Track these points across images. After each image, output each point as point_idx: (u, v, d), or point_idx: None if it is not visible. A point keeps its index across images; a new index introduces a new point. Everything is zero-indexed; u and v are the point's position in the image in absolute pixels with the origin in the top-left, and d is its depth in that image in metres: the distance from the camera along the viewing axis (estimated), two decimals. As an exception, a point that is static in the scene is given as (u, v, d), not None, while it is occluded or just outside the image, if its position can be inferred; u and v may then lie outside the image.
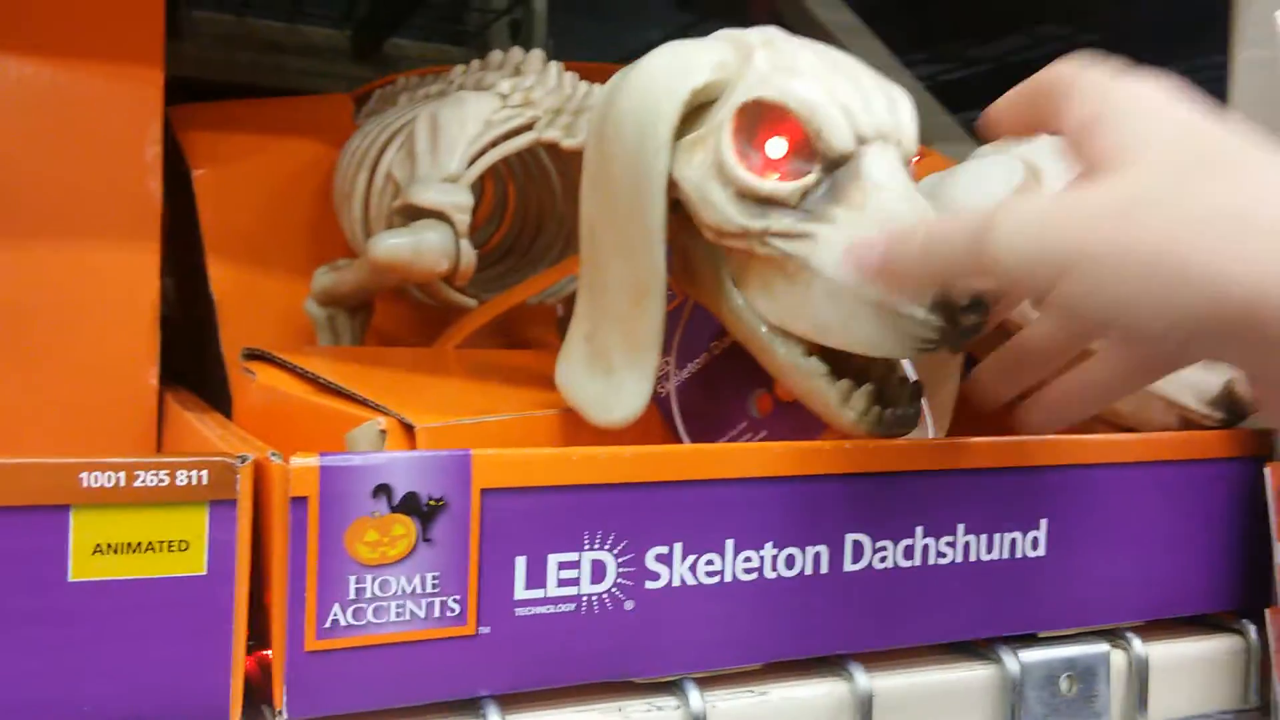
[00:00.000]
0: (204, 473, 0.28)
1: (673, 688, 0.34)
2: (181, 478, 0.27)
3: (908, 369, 0.38)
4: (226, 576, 0.28)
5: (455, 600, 0.31)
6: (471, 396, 0.43)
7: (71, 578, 0.27)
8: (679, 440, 0.42)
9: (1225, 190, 0.25)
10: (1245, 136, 0.26)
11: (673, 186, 0.35)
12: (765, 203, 0.34)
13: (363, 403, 0.38)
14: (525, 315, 0.62)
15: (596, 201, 0.37)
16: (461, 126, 0.50)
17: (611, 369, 0.37)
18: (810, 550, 0.35)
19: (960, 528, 0.38)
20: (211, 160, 0.57)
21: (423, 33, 1.20)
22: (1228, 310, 0.24)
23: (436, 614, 0.31)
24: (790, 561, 0.35)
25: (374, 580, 0.30)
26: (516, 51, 0.56)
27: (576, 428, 0.39)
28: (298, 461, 0.29)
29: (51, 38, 0.51)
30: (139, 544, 0.27)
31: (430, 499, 0.31)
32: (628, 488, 0.33)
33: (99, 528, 0.27)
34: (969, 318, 0.33)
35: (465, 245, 0.48)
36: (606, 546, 0.33)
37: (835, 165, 0.34)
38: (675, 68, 0.35)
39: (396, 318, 0.59)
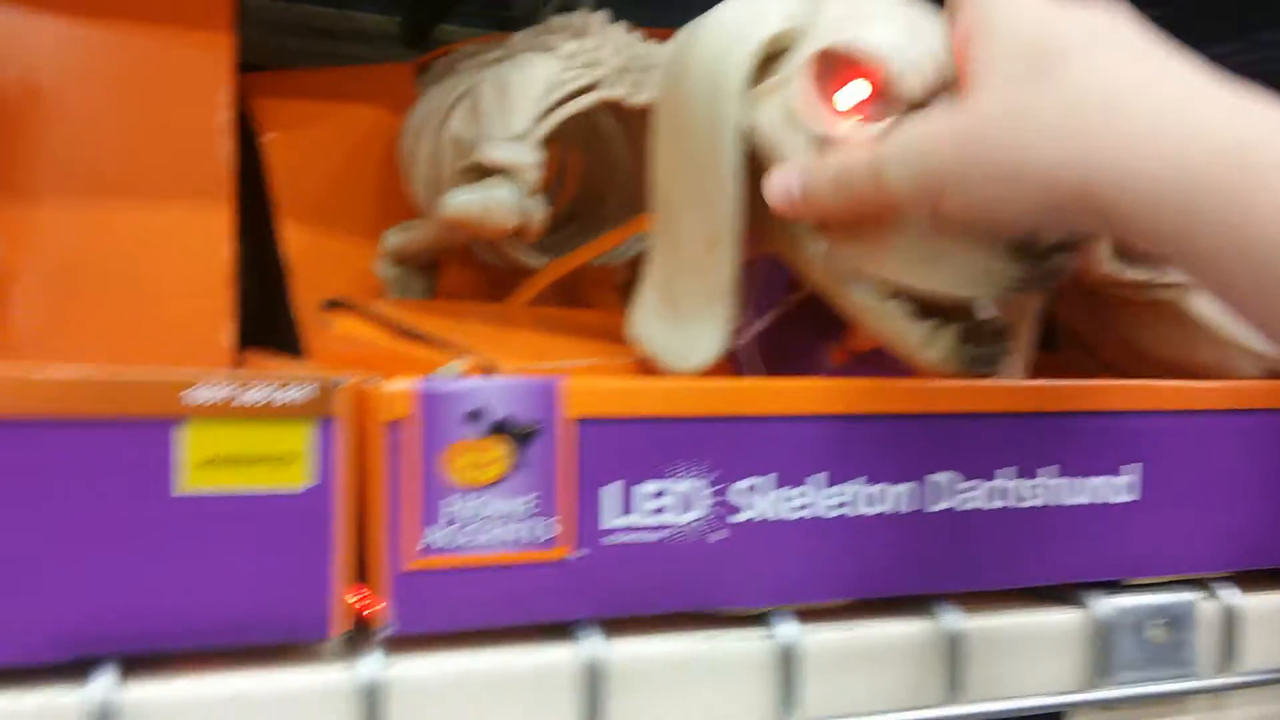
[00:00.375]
0: (310, 388, 0.28)
1: (760, 620, 0.34)
2: (285, 395, 0.28)
3: (991, 309, 0.38)
4: (328, 491, 0.28)
5: (548, 524, 0.31)
6: (548, 345, 0.43)
7: (176, 491, 0.27)
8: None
9: (1053, 89, 0.29)
10: (1095, 25, 0.30)
11: (746, 136, 0.35)
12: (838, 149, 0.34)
13: (444, 346, 0.38)
14: (587, 278, 0.63)
15: (669, 153, 0.38)
16: (527, 86, 0.51)
17: (686, 318, 0.37)
18: (898, 488, 0.35)
19: (1049, 470, 0.37)
20: (281, 125, 0.58)
21: (470, 18, 1.20)
22: (1063, 195, 0.28)
23: (529, 537, 0.31)
24: (878, 498, 0.35)
25: (469, 502, 0.30)
26: (579, 14, 0.56)
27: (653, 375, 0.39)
28: (395, 385, 0.29)
29: (126, 3, 0.52)
30: (243, 457, 0.27)
31: (523, 424, 0.31)
32: (719, 420, 0.33)
33: (205, 441, 0.27)
34: (1054, 260, 0.32)
35: (534, 201, 0.48)
36: (696, 476, 0.33)
37: (911, 110, 0.34)
38: (747, 16, 0.35)
39: (462, 280, 0.60)
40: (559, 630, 0.32)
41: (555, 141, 0.61)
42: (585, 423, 0.31)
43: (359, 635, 0.30)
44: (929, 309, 0.35)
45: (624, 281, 0.61)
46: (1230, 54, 1.12)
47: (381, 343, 0.41)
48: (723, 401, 0.33)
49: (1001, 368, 0.37)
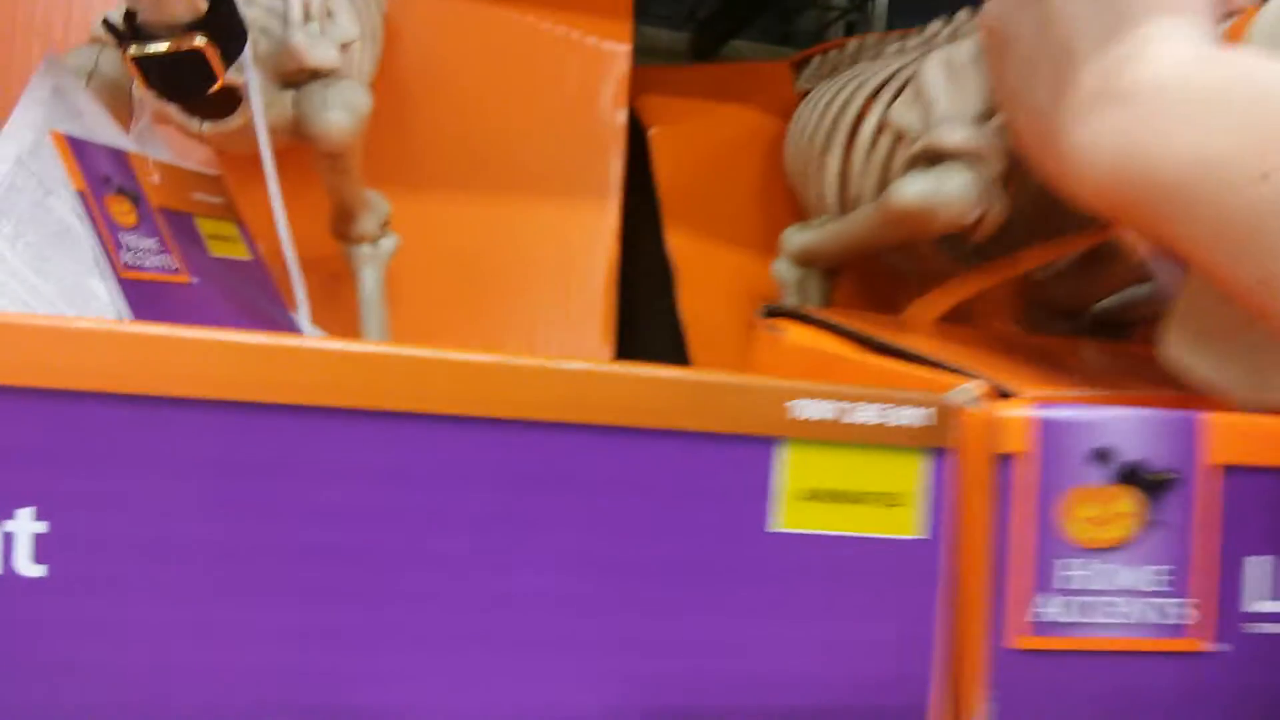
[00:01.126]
0: (929, 411, 0.22)
1: None
2: (898, 416, 0.22)
3: None
4: (939, 543, 0.23)
5: (1185, 605, 0.24)
6: (1053, 369, 0.36)
7: (771, 527, 0.22)
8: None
9: (1047, 93, 0.30)
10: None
11: None
12: None
13: (934, 365, 0.32)
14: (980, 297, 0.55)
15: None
16: (979, 70, 0.45)
17: (1260, 338, 0.29)
18: None
19: None
20: (665, 120, 0.54)
21: (756, 33, 1.16)
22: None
23: (1162, 619, 0.24)
24: None
25: (1090, 568, 0.23)
26: None
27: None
28: (1008, 410, 0.23)
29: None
30: (847, 493, 0.22)
31: (1159, 471, 0.24)
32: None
33: (807, 469, 0.22)
34: None
35: (995, 191, 0.42)
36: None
37: None
38: None
39: (856, 288, 0.54)
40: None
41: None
42: (1237, 471, 0.24)
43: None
44: None
45: (1042, 297, 0.53)
46: None
47: (849, 357, 0.35)
48: None
49: None
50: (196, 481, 0.18)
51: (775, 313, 0.40)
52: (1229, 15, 0.34)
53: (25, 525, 0.18)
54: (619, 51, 0.50)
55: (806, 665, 0.22)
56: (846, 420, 0.22)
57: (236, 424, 0.18)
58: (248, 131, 0.35)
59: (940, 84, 0.44)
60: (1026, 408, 0.23)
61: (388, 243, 0.44)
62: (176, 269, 0.31)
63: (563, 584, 0.20)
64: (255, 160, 0.35)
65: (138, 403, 0.18)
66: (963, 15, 0.50)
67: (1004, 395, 0.29)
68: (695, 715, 0.21)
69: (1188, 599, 0.24)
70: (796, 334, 0.38)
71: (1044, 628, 0.23)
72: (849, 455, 0.22)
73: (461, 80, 0.50)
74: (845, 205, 0.49)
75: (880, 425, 0.22)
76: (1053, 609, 0.23)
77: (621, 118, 0.51)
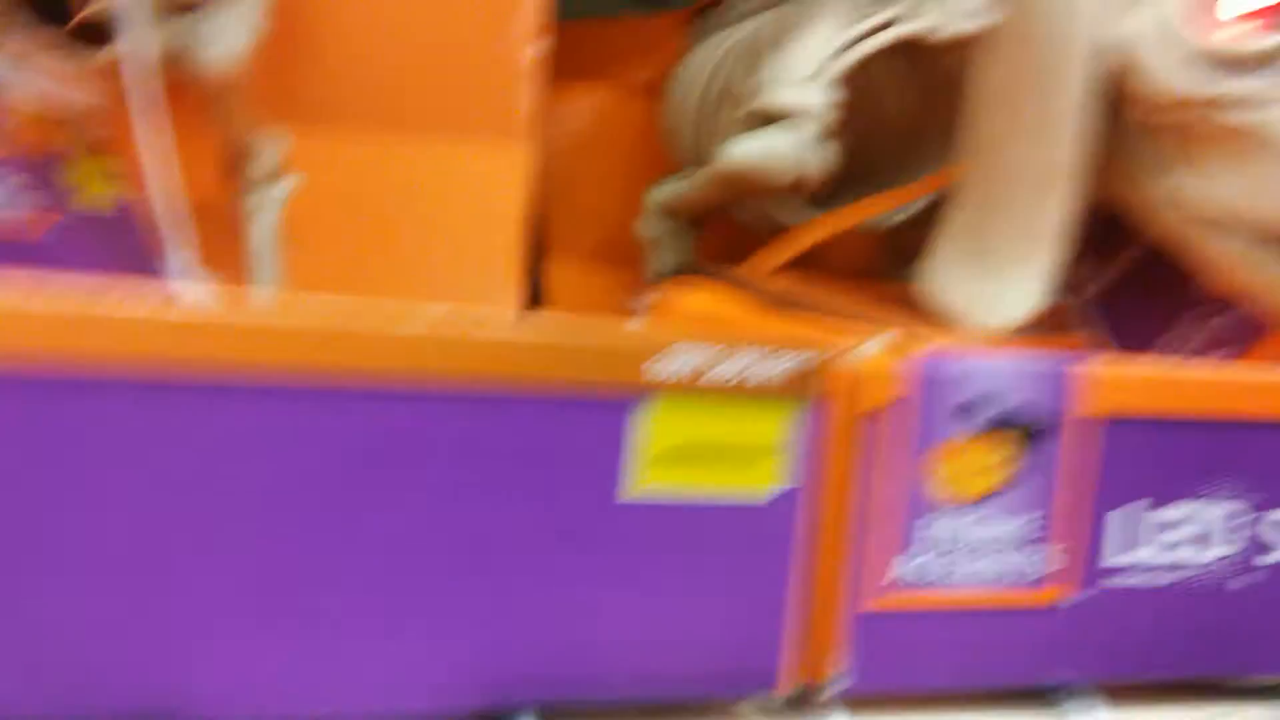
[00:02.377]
0: (800, 360, 0.22)
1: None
2: (764, 369, 0.21)
3: None
4: (796, 501, 0.22)
5: (1048, 556, 0.24)
6: (926, 321, 0.36)
7: (623, 497, 0.21)
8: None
9: None
10: None
11: (1102, 53, 0.30)
12: (1222, 65, 0.29)
13: (843, 317, 0.31)
14: (841, 241, 0.57)
15: (1002, 78, 0.33)
16: (814, 28, 0.46)
17: (999, 267, 0.32)
18: None
19: None
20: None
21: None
22: None
23: (1026, 568, 0.24)
24: None
25: (956, 520, 0.23)
26: None
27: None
28: (881, 361, 0.23)
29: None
30: (705, 449, 0.21)
31: (1029, 422, 0.24)
32: (1262, 427, 0.25)
33: (667, 427, 0.21)
34: None
35: (818, 149, 0.44)
36: (1232, 498, 0.25)
37: None
38: None
39: (720, 240, 0.55)
40: (1039, 695, 0.25)
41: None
42: (1111, 422, 0.24)
43: (805, 692, 0.24)
44: None
45: (897, 244, 0.55)
46: None
47: (750, 318, 0.35)
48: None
49: None
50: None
51: (675, 272, 0.39)
52: None
53: None
54: (530, -9, 0.48)
55: (658, 632, 0.21)
56: (712, 374, 0.21)
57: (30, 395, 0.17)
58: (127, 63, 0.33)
59: (777, 43, 0.46)
60: (899, 359, 0.23)
61: (283, 185, 0.42)
62: (23, 226, 0.30)
63: (402, 556, 0.19)
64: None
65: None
66: None
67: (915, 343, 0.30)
68: (542, 684, 0.21)
69: (1052, 546, 0.24)
70: (694, 298, 0.37)
71: (904, 585, 0.23)
72: (714, 410, 0.21)
73: (363, 11, 0.48)
74: (701, 162, 0.50)
75: (745, 379, 0.21)
76: (914, 566, 0.23)
77: (531, 54, 0.49)
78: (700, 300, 0.37)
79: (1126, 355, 0.33)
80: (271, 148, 0.42)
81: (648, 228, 0.53)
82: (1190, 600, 0.25)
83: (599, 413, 0.21)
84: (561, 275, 0.55)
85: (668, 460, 0.21)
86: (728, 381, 0.21)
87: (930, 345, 0.27)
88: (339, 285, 0.49)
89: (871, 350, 0.29)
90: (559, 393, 0.20)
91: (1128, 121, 0.31)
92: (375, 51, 0.49)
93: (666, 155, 0.57)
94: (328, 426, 0.18)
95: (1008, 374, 0.23)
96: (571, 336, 0.20)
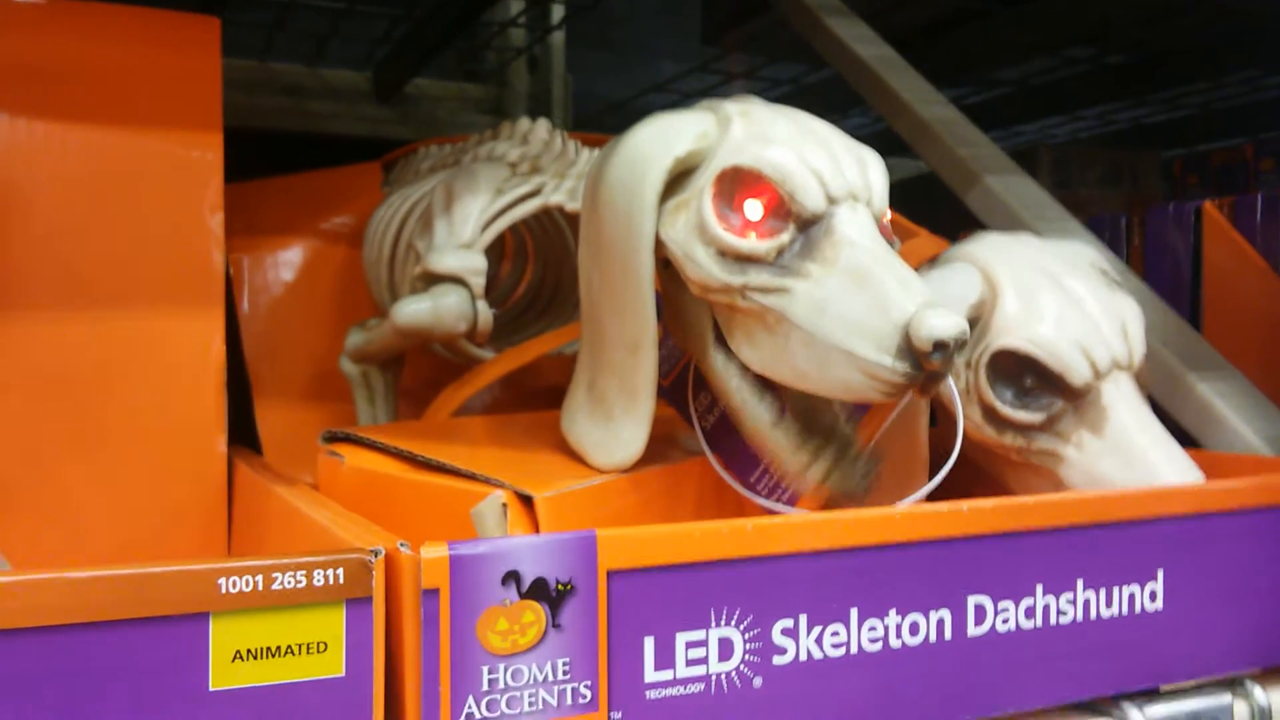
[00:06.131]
0: (339, 571, 0.27)
1: (805, 765, 0.33)
2: (319, 578, 0.27)
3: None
4: (365, 676, 0.27)
5: (586, 686, 0.30)
6: (564, 460, 0.42)
7: (212, 686, 0.26)
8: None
9: None
10: None
11: (660, 247, 0.37)
12: (744, 260, 0.36)
13: (471, 477, 0.37)
14: (543, 366, 0.63)
15: (592, 262, 0.39)
16: (474, 196, 0.54)
17: (611, 416, 0.39)
18: (934, 615, 0.34)
19: (1079, 583, 0.37)
20: (246, 247, 0.58)
21: (442, 72, 1.20)
22: None
23: (569, 701, 0.30)
24: (915, 629, 0.34)
25: (506, 670, 0.29)
26: (524, 122, 0.60)
27: (681, 479, 0.40)
28: (429, 552, 0.28)
29: (113, 107, 0.51)
30: (278, 648, 0.26)
31: (559, 583, 0.30)
32: (750, 562, 0.32)
33: (238, 633, 0.26)
34: (934, 362, 0.34)
35: (482, 306, 0.52)
36: (733, 623, 0.32)
37: (808, 224, 0.36)
38: (660, 137, 0.37)
39: (423, 372, 0.60)
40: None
41: (513, 232, 0.65)
42: (619, 575, 0.30)
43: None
44: (812, 428, 0.38)
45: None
46: (1202, 92, 1.15)
47: (399, 475, 0.40)
48: (754, 542, 0.32)
49: (870, 487, 0.39)
50: None
51: (333, 438, 0.44)
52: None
53: None
54: (209, 160, 0.52)
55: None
56: (271, 588, 0.26)
57: None
58: None
59: (440, 211, 0.53)
60: (442, 548, 0.28)
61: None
62: None
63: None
64: None
65: None
66: (472, 140, 0.59)
67: (524, 499, 0.36)
68: None
69: (589, 680, 0.30)
70: (354, 457, 0.42)
71: (471, 725, 0.29)
72: (274, 617, 0.26)
73: (48, 202, 0.50)
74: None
75: (299, 588, 0.26)
76: (476, 710, 0.29)
77: (217, 223, 0.53)
78: (360, 462, 0.42)
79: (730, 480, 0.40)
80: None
81: (346, 368, 0.58)
82: (722, 699, 0.32)
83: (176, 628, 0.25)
84: (273, 416, 0.59)
85: (245, 658, 0.26)
86: (286, 589, 0.26)
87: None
88: (45, 464, 0.51)
89: (488, 508, 0.35)
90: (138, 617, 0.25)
91: (695, 298, 0.38)
92: (63, 237, 0.52)
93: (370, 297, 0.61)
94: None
95: (539, 546, 0.29)
96: (142, 571, 0.25)
